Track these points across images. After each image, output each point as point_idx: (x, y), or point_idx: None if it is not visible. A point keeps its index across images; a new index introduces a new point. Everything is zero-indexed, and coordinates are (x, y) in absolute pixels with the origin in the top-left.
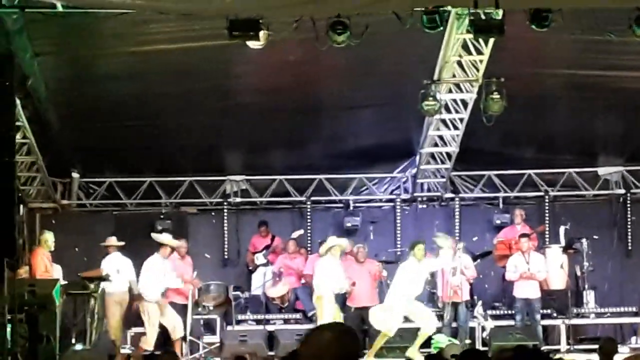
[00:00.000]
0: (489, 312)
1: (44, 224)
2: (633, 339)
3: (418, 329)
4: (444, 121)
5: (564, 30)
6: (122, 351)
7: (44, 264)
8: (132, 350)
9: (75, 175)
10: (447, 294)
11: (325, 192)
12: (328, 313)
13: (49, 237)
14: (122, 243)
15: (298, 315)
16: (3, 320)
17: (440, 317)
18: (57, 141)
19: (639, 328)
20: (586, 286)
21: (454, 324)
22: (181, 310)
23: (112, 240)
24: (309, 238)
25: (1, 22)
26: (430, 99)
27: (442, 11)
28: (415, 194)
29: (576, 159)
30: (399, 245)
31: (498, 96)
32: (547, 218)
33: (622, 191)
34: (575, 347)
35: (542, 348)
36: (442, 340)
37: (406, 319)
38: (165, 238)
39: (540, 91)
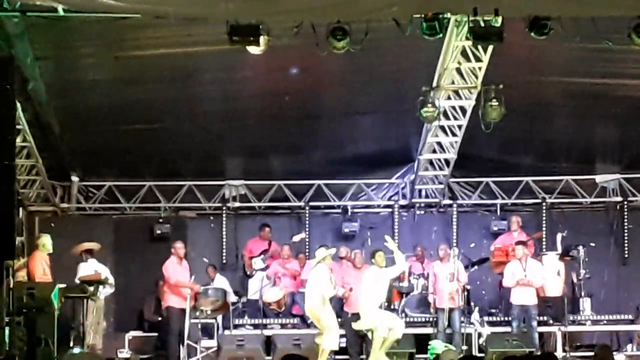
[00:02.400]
0: (486, 318)
1: (43, 227)
2: (629, 346)
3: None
4: (442, 128)
5: (563, 38)
6: (120, 355)
7: (42, 267)
8: (130, 354)
9: (74, 178)
10: (442, 299)
11: (324, 197)
12: (326, 317)
13: (46, 241)
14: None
15: (295, 320)
16: (2, 323)
17: (434, 324)
18: (57, 145)
19: (634, 336)
20: (582, 293)
21: (448, 330)
22: (179, 314)
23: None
24: (307, 243)
25: (2, 26)
26: (429, 105)
27: (441, 18)
28: (414, 200)
29: (574, 166)
30: None
31: (497, 103)
32: (544, 225)
33: (619, 199)
34: (571, 354)
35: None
36: (438, 347)
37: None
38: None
39: (538, 98)
